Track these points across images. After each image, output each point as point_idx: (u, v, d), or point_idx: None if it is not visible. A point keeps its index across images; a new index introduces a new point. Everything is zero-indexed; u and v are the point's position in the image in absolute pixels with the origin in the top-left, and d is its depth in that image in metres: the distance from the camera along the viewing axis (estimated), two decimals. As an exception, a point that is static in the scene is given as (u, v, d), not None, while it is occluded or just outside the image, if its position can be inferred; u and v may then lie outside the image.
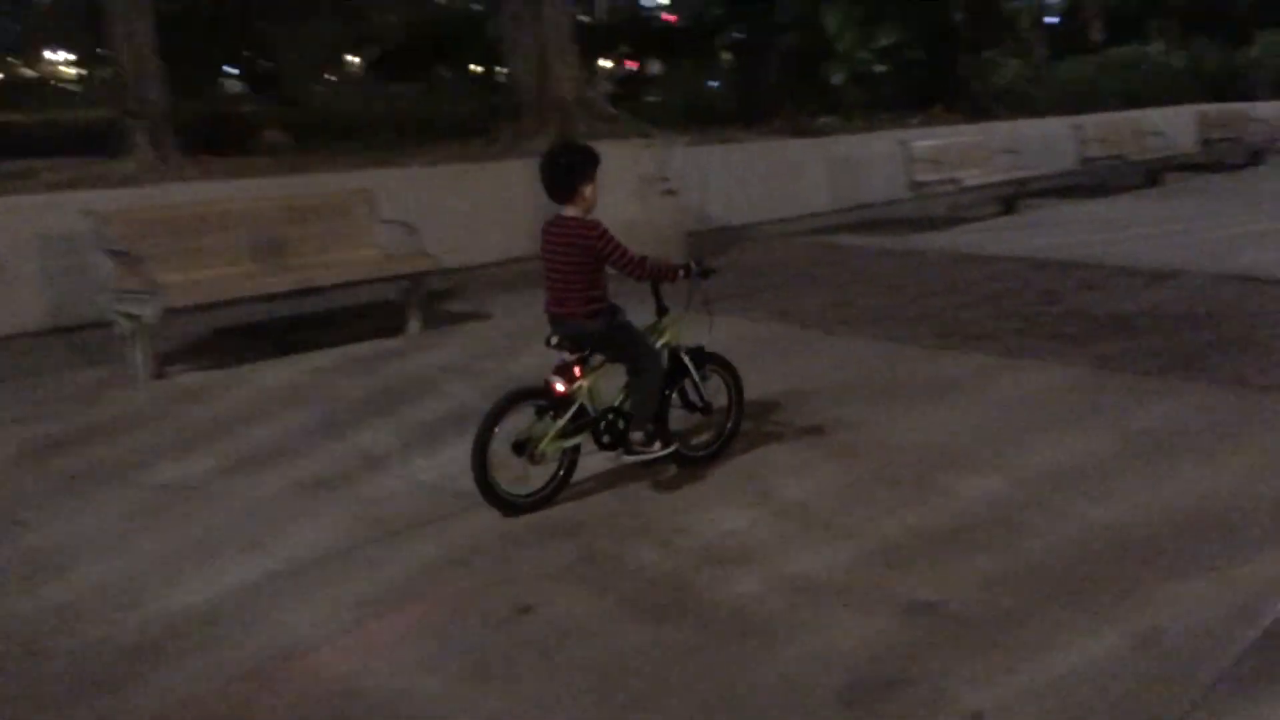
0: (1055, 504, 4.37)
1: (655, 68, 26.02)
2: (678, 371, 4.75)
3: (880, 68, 18.79)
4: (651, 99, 18.06)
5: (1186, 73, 21.29)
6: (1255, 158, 18.03)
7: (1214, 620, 3.41)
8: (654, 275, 4.58)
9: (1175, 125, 17.83)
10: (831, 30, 18.71)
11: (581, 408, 4.44)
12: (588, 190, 4.47)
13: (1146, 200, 14.15)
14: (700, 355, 4.84)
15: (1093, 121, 15.80)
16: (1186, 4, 25.90)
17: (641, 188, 9.85)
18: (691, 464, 4.83)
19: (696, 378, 4.80)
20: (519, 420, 4.37)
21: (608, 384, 4.68)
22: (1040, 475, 4.68)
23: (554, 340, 4.43)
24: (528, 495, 4.37)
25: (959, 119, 17.10)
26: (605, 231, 4.42)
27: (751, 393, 5.22)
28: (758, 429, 5.34)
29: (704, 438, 4.97)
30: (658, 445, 4.55)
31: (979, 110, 17.82)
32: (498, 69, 19.72)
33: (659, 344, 4.69)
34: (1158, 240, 10.70)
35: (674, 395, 4.75)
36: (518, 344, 7.31)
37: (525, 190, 10.91)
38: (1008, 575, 3.76)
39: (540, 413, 4.39)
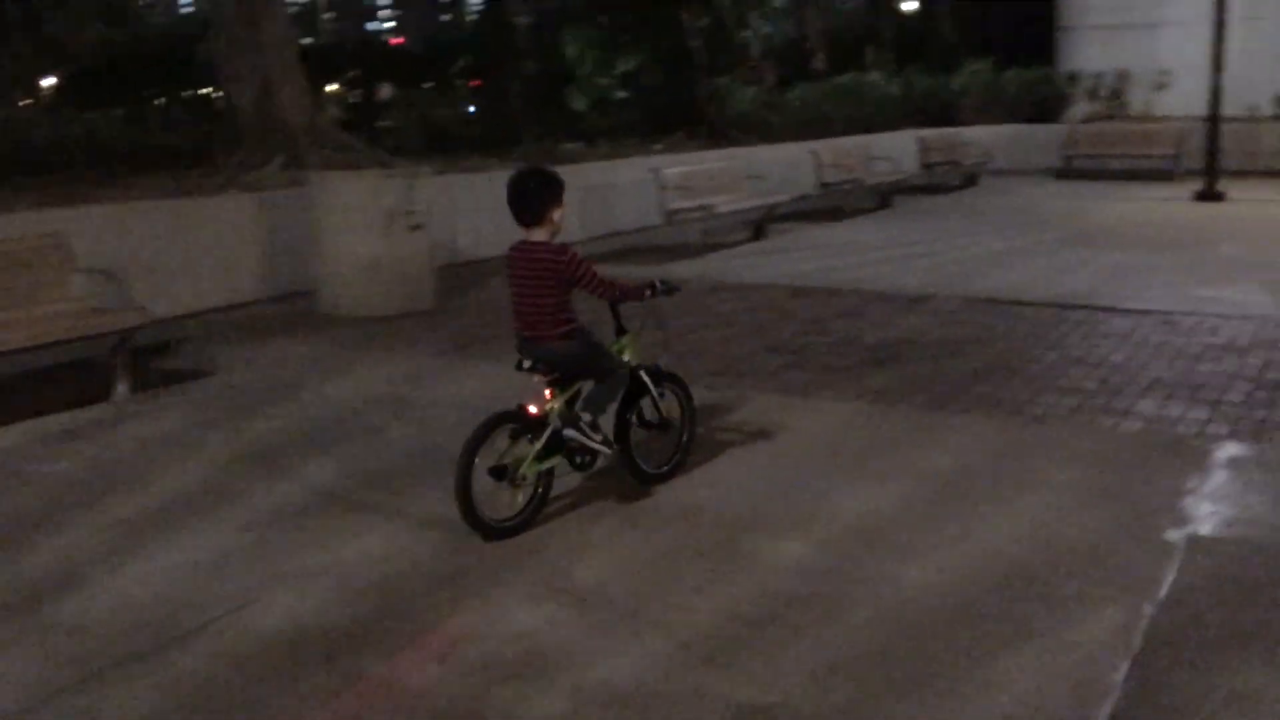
0: (867, 567, 4.05)
1: (387, 92, 25.02)
2: (637, 390, 4.81)
3: (621, 94, 18.72)
4: (387, 125, 17.16)
5: (902, 99, 22.51)
6: (970, 180, 19.20)
7: (1059, 700, 3.13)
8: (623, 296, 4.69)
9: (899, 150, 18.70)
10: (571, 56, 18.48)
11: (554, 429, 4.42)
12: (556, 214, 4.50)
13: (883, 223, 14.63)
14: (657, 373, 4.92)
15: (827, 147, 16.26)
16: (898, 35, 27.60)
17: (386, 222, 9.07)
18: (656, 481, 4.86)
19: (655, 395, 4.87)
20: (496, 445, 4.32)
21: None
22: (844, 533, 4.37)
23: (526, 364, 4.43)
24: (509, 519, 4.34)
25: (701, 145, 17.21)
26: (575, 255, 4.43)
27: (529, 459, 4.65)
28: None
29: (663, 455, 4.98)
30: (599, 437, 4.54)
31: (718, 136, 18.04)
32: (214, 93, 18.23)
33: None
34: (904, 263, 10.95)
35: (632, 417, 4.79)
36: (247, 404, 6.40)
37: (252, 226, 9.89)
38: (836, 663, 3.37)
39: (515, 436, 4.36)
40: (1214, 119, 15.97)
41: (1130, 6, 22.79)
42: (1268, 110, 20.34)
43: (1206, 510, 4.47)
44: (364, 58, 28.62)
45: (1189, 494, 4.65)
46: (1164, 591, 3.78)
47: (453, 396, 6.55)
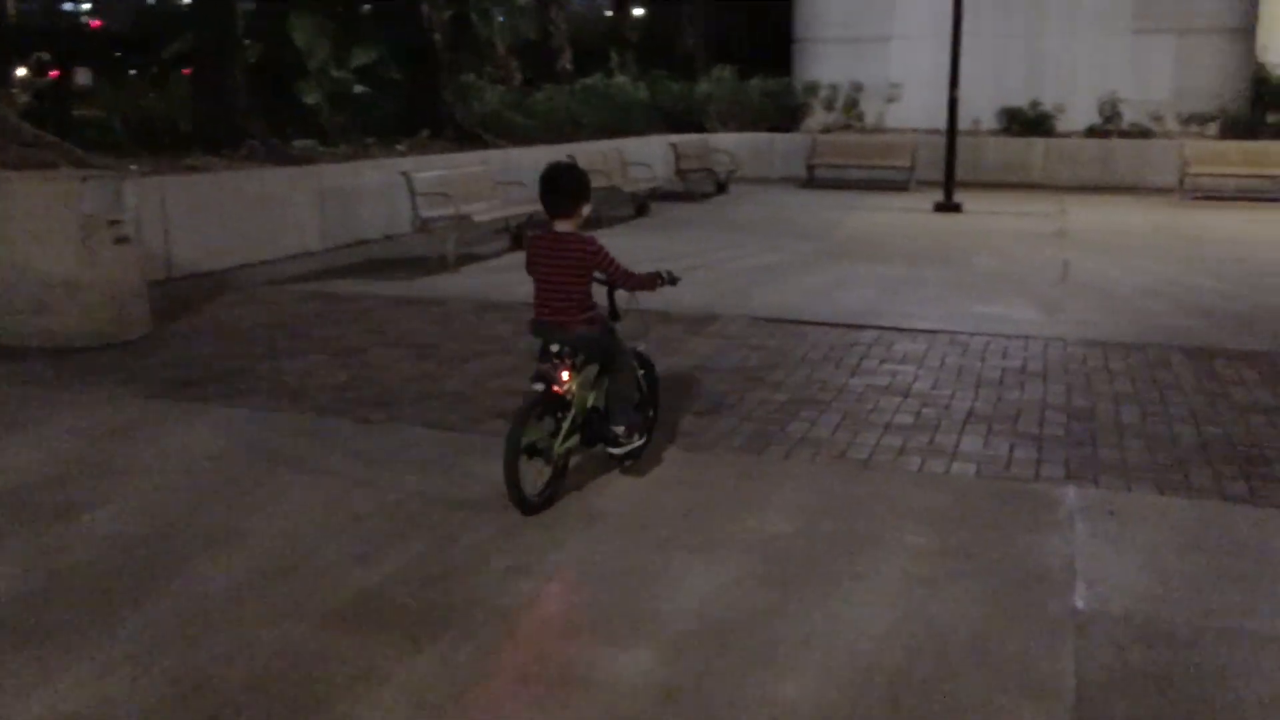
0: (731, 683, 3.28)
1: (84, 79, 22.23)
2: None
3: (360, 88, 17.28)
4: (86, 116, 14.96)
5: (650, 104, 22.23)
6: (721, 188, 19.10)
7: None
8: (639, 285, 4.90)
9: (652, 156, 18.34)
10: (301, 44, 16.85)
11: (575, 413, 4.66)
12: (585, 209, 4.77)
13: (644, 232, 14.11)
14: (640, 356, 5.21)
15: (583, 151, 15.58)
16: (642, 38, 27.41)
17: (85, 234, 7.52)
18: (630, 457, 4.98)
19: (644, 377, 5.18)
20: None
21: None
22: (690, 635, 3.59)
23: (554, 348, 4.60)
24: (539, 494, 4.57)
25: (447, 146, 16.10)
26: (601, 246, 4.71)
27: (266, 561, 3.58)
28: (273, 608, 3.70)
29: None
30: (636, 436, 4.93)
31: (465, 137, 16.98)
32: None
33: None
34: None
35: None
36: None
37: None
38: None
39: (541, 416, 4.54)
40: (951, 133, 16.53)
41: (861, 21, 23.57)
42: (990, 125, 21.48)
43: (1083, 579, 4.01)
44: (57, 39, 25.44)
45: (1055, 556, 4.19)
46: (1071, 695, 3.23)
47: (177, 454, 5.29)
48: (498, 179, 12.71)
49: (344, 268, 11.06)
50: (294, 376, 6.77)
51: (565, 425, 4.57)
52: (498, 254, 11.87)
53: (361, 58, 17.47)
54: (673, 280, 5.02)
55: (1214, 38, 21.36)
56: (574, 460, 4.92)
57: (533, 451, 4.47)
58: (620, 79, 22.76)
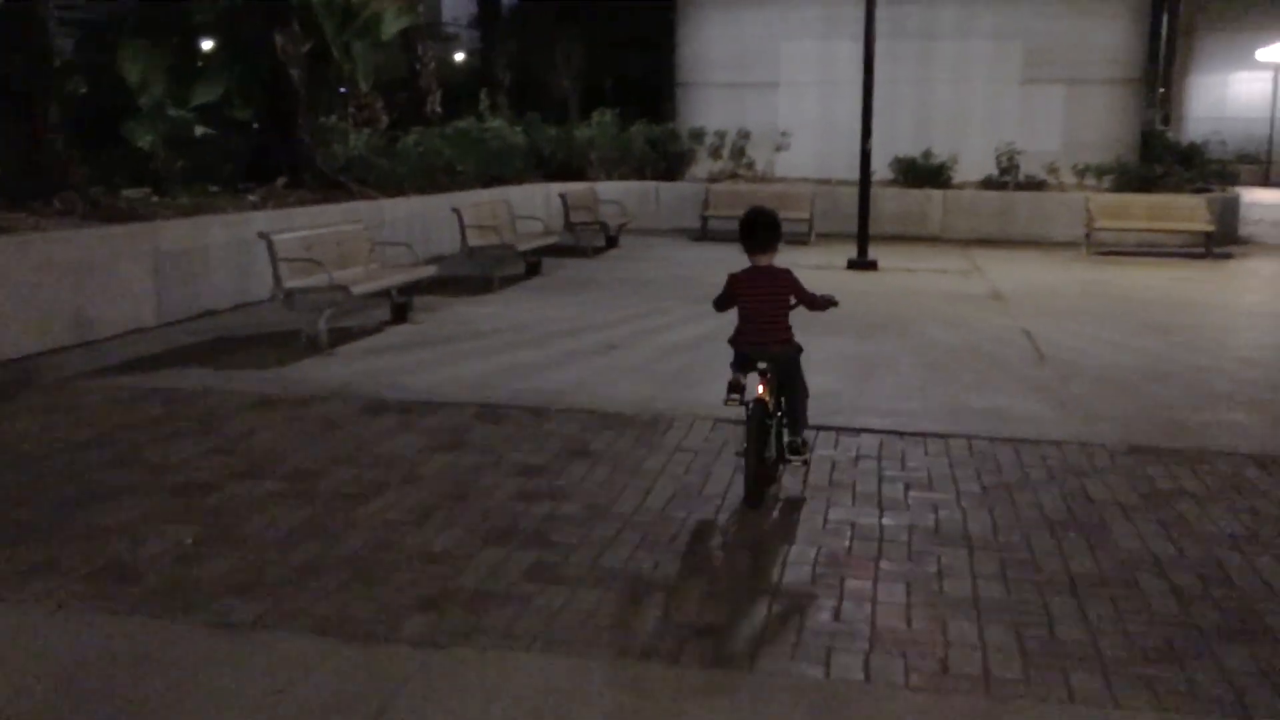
0: None
1: None
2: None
3: (203, 130, 15.03)
4: None
5: (528, 149, 20.57)
6: (611, 241, 17.53)
7: None
8: (822, 306, 5.61)
9: (536, 206, 16.68)
10: (133, 80, 14.55)
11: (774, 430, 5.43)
12: (779, 244, 5.50)
13: (542, 295, 12.37)
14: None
15: (466, 202, 13.80)
16: (515, 81, 25.74)
17: None
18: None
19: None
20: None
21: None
22: None
23: (761, 365, 5.32)
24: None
25: (307, 197, 13.98)
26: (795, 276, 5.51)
27: None
28: None
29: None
30: (809, 451, 5.56)
31: (328, 186, 14.91)
32: None
33: None
34: (603, 359, 8.71)
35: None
36: None
37: None
38: None
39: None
40: (864, 185, 15.38)
41: (747, 65, 22.50)
42: (883, 174, 20.52)
43: None
44: None
45: None
46: None
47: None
48: (372, 237, 10.79)
49: (187, 350, 8.95)
50: (112, 540, 4.77)
51: (772, 428, 5.34)
52: (378, 327, 9.94)
53: (204, 95, 15.28)
54: (835, 304, 5.70)
55: (1105, 89, 21.05)
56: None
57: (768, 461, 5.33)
58: (496, 122, 21.01)
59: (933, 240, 19.22)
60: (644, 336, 9.75)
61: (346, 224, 10.70)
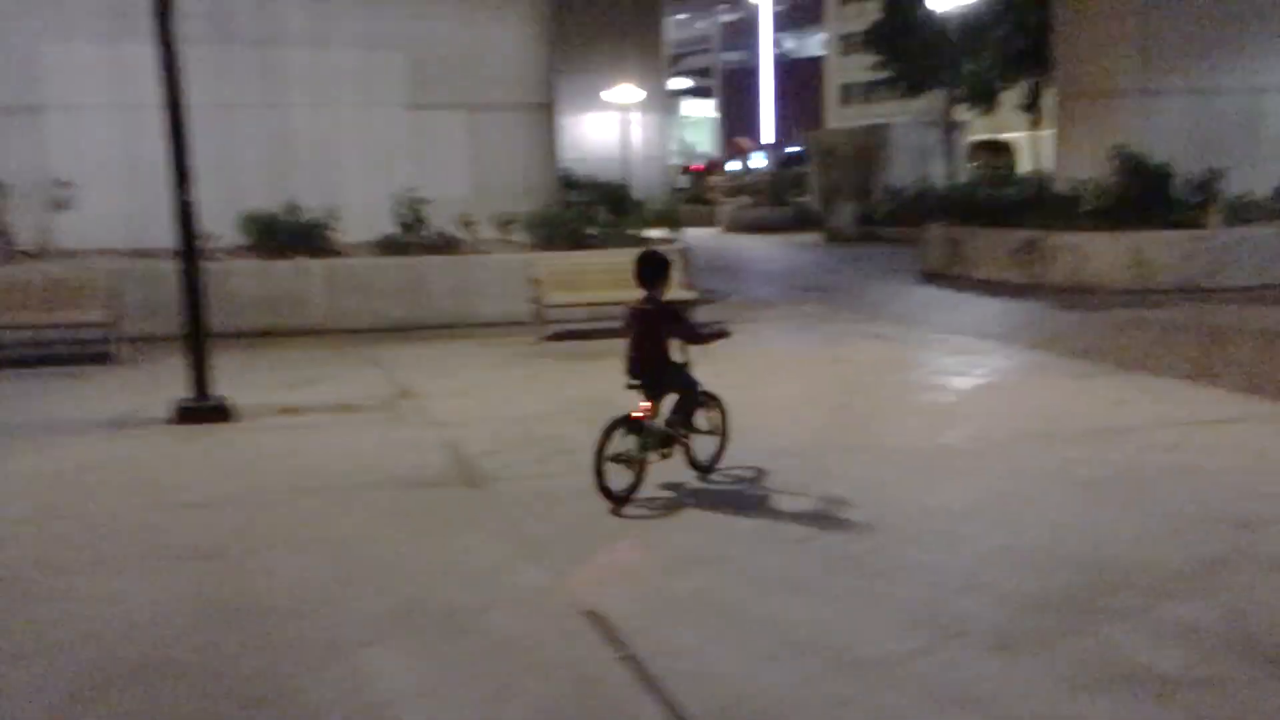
0: None
1: None
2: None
3: None
4: None
5: None
6: None
7: None
8: (706, 340, 6.38)
9: None
10: None
11: (651, 428, 6.14)
12: (670, 280, 6.29)
13: None
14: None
15: None
16: None
17: None
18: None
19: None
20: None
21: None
22: None
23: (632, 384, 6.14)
24: (623, 491, 5.94)
25: None
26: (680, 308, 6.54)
27: None
28: None
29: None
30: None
31: None
32: None
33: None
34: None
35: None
36: None
37: None
38: None
39: (626, 433, 5.99)
40: (191, 259, 8.41)
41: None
42: (229, 239, 13.48)
43: None
44: None
45: None
46: None
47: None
48: None
49: None
50: None
51: (643, 439, 6.05)
52: None
53: None
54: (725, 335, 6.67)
55: (514, 116, 16.09)
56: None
57: (620, 460, 6.03)
58: None
59: (317, 333, 12.74)
60: None
61: None
